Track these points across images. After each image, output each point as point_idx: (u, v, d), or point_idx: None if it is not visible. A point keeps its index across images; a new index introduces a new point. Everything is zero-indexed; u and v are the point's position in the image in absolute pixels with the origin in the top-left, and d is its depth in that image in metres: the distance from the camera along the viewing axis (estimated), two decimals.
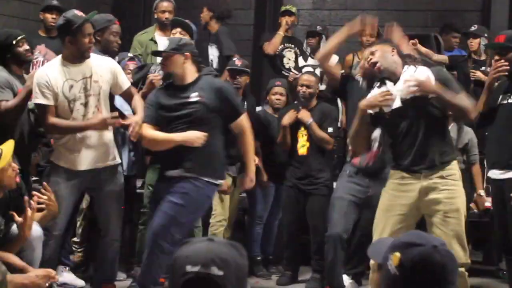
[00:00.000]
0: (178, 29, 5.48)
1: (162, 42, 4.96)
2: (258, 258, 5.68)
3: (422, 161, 3.79)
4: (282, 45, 6.80)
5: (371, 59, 3.83)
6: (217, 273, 1.58)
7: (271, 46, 6.71)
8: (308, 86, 5.36)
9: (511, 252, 4.50)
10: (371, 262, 3.68)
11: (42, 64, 5.86)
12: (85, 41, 4.25)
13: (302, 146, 5.37)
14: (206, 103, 4.16)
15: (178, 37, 4.94)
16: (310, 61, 6.77)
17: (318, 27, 6.85)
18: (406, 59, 3.85)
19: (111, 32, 4.97)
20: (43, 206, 3.89)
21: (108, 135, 4.44)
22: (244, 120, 4.30)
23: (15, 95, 4.47)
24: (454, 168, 3.82)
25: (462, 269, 3.71)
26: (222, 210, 5.31)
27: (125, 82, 4.50)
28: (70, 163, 4.36)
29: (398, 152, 3.89)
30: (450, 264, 1.75)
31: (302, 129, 5.35)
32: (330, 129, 5.31)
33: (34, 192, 3.87)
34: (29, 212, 3.67)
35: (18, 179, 3.82)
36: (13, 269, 3.48)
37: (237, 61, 5.60)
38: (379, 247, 1.88)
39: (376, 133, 4.36)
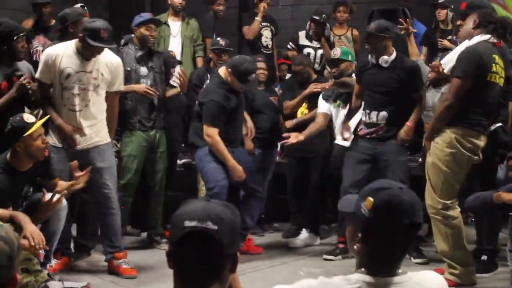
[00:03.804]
0: (153, 26, 5.81)
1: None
2: None
3: None
4: (260, 25, 7.63)
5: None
6: (212, 227, 1.85)
7: (251, 31, 7.57)
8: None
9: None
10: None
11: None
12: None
13: (301, 113, 6.19)
14: None
15: None
16: (314, 43, 7.26)
17: (323, 15, 7.15)
18: None
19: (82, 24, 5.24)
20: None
21: (98, 116, 4.84)
22: None
23: None
24: None
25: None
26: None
27: (114, 86, 4.91)
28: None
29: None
30: (416, 204, 2.01)
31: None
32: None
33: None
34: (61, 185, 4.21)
35: (46, 153, 4.23)
36: None
37: (221, 41, 6.23)
38: (348, 201, 2.13)
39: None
